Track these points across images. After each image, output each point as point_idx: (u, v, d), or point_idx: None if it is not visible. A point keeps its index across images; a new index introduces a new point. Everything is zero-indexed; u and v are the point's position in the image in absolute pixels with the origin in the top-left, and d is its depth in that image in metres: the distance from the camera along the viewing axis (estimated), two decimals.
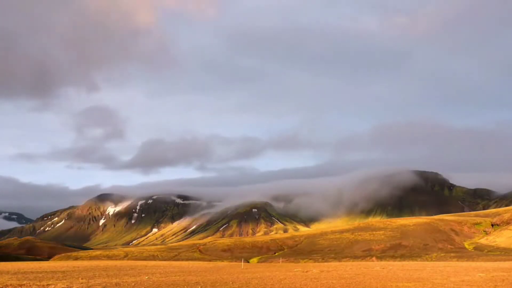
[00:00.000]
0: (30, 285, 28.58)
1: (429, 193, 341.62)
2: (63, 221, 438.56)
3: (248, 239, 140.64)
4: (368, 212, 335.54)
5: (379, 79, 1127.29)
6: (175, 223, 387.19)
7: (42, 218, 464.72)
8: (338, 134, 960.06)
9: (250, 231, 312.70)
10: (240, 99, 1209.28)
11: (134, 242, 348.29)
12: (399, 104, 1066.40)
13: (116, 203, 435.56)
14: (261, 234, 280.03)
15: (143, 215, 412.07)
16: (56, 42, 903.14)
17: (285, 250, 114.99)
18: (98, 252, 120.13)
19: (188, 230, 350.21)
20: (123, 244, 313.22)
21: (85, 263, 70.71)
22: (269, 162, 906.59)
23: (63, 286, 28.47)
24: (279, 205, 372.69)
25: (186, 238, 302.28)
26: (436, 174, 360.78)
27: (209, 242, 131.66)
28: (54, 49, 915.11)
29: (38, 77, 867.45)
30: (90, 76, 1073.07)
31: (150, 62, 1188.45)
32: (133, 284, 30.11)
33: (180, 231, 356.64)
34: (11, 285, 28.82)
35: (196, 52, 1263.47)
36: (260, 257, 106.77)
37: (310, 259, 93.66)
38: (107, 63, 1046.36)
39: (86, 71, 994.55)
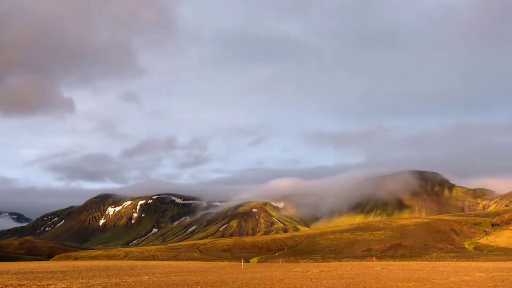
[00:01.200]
0: (30, 285, 28.59)
1: (429, 193, 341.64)
2: (63, 221, 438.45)
3: (248, 239, 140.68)
4: (368, 212, 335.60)
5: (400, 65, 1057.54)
6: (175, 223, 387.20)
7: (42, 218, 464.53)
8: (341, 132, 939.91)
9: (250, 231, 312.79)
10: (249, 82, 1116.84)
11: (134, 242, 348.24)
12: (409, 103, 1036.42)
13: (116, 203, 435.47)
14: (261, 234, 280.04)
15: (143, 215, 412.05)
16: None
17: (285, 250, 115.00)
18: (98, 252, 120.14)
19: (188, 230, 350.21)
20: (123, 244, 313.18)
21: (85, 263, 70.73)
22: (273, 159, 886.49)
23: (63, 286, 28.47)
24: (279, 205, 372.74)
25: (186, 238, 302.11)
26: (436, 174, 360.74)
27: (209, 242, 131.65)
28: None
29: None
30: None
31: (151, 33, 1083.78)
32: (133, 284, 30.12)
33: (180, 231, 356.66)
34: (11, 285, 28.83)
35: (204, 21, 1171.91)
36: (260, 257, 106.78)
37: (310, 259, 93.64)
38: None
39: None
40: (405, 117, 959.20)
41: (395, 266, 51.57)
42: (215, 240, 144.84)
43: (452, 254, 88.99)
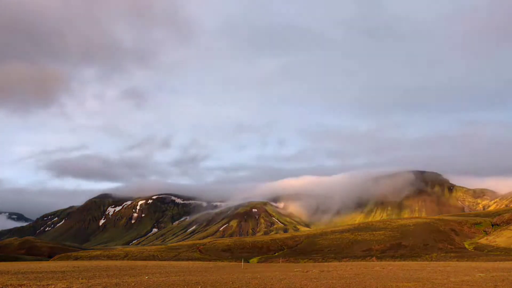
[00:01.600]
0: (30, 285, 28.59)
1: (429, 193, 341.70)
2: (63, 221, 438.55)
3: (248, 239, 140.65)
4: (368, 212, 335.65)
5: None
6: (175, 223, 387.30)
7: (42, 218, 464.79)
8: (343, 131, 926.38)
9: (250, 231, 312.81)
10: (253, 76, 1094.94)
11: (134, 242, 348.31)
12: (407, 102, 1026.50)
13: (116, 203, 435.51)
14: (261, 234, 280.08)
15: (143, 215, 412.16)
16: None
17: (285, 250, 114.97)
18: (98, 252, 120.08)
19: (188, 230, 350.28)
20: (123, 244, 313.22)
21: (85, 263, 70.70)
22: (273, 159, 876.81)
23: (63, 286, 28.47)
24: (279, 205, 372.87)
25: (186, 238, 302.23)
26: (436, 174, 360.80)
27: (209, 242, 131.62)
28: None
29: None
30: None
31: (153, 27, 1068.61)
32: (133, 284, 30.12)
33: (180, 231, 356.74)
34: (11, 285, 28.84)
35: (209, 11, 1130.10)
36: (260, 257, 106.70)
37: (310, 259, 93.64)
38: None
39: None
40: (409, 114, 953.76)
41: (395, 266, 51.59)
42: (215, 240, 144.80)
43: (452, 254, 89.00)
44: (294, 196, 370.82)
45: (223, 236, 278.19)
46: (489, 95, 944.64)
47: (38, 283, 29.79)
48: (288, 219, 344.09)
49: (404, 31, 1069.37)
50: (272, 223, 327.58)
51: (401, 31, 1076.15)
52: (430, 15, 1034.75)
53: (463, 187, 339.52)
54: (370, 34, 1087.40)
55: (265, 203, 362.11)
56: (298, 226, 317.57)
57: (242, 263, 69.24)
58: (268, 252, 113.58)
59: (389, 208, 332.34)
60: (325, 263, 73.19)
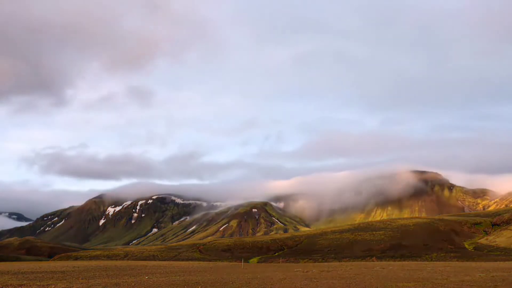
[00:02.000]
0: (30, 285, 28.60)
1: (429, 193, 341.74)
2: (63, 221, 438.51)
3: (248, 239, 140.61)
4: (368, 212, 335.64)
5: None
6: (175, 223, 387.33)
7: (42, 218, 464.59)
8: (345, 130, 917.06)
9: (250, 231, 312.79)
10: (256, 70, 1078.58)
11: (134, 242, 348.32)
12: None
13: (116, 203, 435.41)
14: (261, 234, 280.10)
15: (143, 215, 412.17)
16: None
17: (285, 250, 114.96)
18: (98, 252, 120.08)
19: (188, 230, 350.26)
20: (123, 244, 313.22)
21: (85, 263, 70.74)
22: (273, 158, 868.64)
23: (63, 286, 28.48)
24: (279, 205, 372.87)
25: (186, 238, 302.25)
26: (436, 174, 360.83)
27: (209, 242, 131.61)
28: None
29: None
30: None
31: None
32: (133, 284, 30.13)
33: (180, 231, 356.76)
34: (11, 285, 28.85)
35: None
36: (260, 257, 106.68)
37: (310, 259, 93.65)
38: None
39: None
40: (412, 112, 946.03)
41: (395, 266, 51.62)
42: (215, 240, 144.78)
43: (452, 254, 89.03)
44: (294, 196, 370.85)
45: (223, 236, 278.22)
46: (493, 93, 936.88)
47: (38, 283, 29.80)
48: (288, 219, 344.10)
49: (412, 21, 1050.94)
50: (272, 223, 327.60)
51: (408, 22, 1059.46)
52: (442, 4, 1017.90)
53: (463, 187, 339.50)
54: (378, 26, 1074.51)
55: (265, 203, 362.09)
56: (298, 226, 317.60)
57: (242, 263, 69.26)
58: (268, 252, 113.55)
59: (389, 208, 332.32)
60: (325, 263, 73.21)
